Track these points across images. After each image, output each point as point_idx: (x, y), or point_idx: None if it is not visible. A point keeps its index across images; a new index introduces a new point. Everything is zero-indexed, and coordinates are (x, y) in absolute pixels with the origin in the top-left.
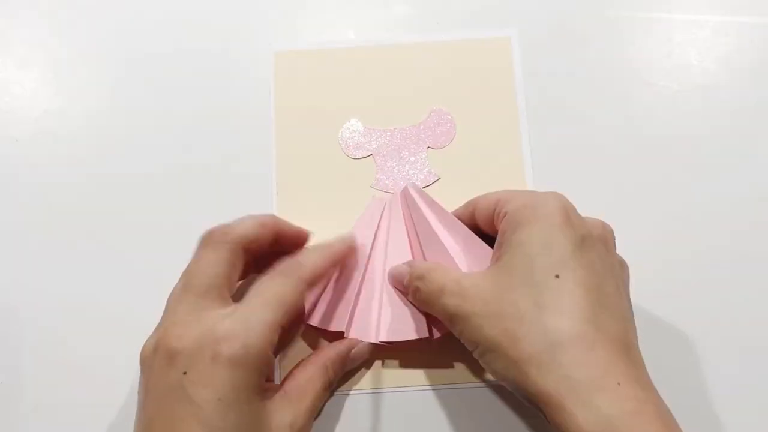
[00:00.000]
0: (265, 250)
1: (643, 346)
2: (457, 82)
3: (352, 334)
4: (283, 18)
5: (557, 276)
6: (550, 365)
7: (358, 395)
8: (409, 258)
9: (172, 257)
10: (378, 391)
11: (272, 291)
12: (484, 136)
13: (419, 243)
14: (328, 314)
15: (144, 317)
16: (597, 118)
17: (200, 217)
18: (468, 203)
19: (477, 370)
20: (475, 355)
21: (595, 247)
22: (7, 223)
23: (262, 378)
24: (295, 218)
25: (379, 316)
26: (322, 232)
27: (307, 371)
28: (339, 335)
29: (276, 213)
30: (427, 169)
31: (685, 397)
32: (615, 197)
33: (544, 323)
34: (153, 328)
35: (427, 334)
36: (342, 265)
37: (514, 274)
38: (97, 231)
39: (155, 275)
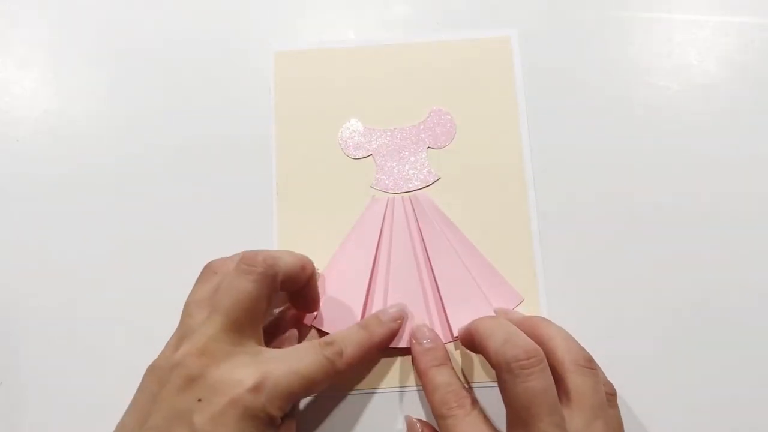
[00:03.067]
0: (287, 288)
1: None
2: (457, 82)
3: None
4: (283, 18)
5: None
6: None
7: (358, 395)
8: (413, 266)
9: (173, 257)
10: (378, 391)
11: (307, 367)
12: (484, 136)
13: (427, 255)
14: (336, 319)
15: (144, 317)
16: (597, 118)
17: (200, 217)
18: (467, 328)
19: (477, 371)
20: None
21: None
22: (7, 222)
23: (284, 409)
24: (295, 218)
25: None
26: (322, 232)
27: None
28: None
29: (276, 213)
30: (427, 169)
31: None
32: (615, 197)
33: None
34: (153, 327)
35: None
36: (347, 266)
37: None
38: (98, 231)
39: (155, 275)
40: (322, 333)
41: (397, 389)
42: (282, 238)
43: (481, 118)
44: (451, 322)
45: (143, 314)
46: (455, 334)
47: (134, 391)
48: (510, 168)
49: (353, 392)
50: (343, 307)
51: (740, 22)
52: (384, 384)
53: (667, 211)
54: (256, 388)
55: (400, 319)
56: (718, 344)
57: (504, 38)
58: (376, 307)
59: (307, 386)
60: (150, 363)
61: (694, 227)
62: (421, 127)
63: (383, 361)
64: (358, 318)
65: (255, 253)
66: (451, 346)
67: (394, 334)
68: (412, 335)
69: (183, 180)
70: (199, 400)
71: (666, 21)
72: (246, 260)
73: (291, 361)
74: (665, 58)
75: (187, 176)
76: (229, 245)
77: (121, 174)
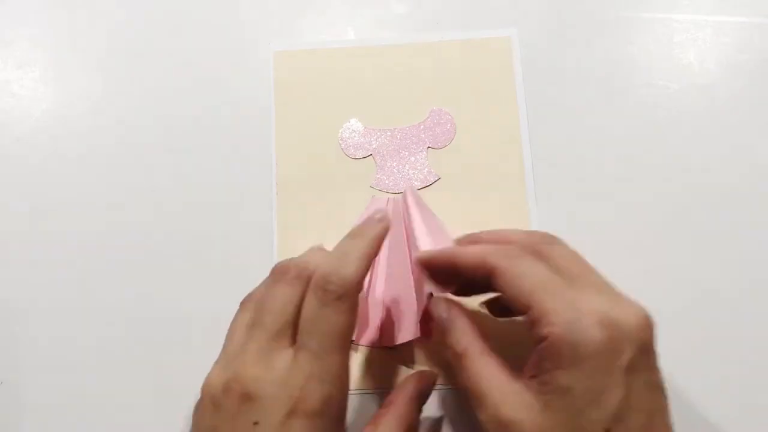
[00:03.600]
0: None
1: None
2: (457, 82)
3: (363, 341)
4: (282, 18)
5: (608, 430)
6: None
7: (358, 395)
8: (407, 264)
9: (173, 257)
10: (378, 391)
11: (335, 327)
12: (484, 136)
13: (409, 249)
14: None
15: (144, 316)
16: (597, 118)
17: (200, 217)
18: (483, 263)
19: None
20: None
21: (640, 369)
22: (7, 222)
23: (341, 427)
24: (295, 218)
25: (384, 319)
26: (322, 232)
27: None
28: None
29: (276, 213)
30: (427, 169)
31: None
32: (615, 197)
33: None
34: (153, 326)
35: (431, 334)
36: None
37: (560, 426)
38: (98, 230)
39: (155, 274)
40: None
41: None
42: (282, 238)
43: (481, 118)
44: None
45: (143, 313)
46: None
47: (133, 390)
48: (510, 168)
49: (353, 392)
50: None
51: (740, 22)
52: (384, 384)
53: (667, 210)
54: (307, 390)
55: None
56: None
57: (504, 38)
58: (374, 305)
59: (343, 338)
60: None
61: (694, 227)
62: (421, 127)
63: (383, 361)
64: (359, 316)
65: (287, 263)
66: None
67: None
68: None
69: (183, 179)
70: (256, 423)
71: (666, 21)
72: (278, 269)
73: (317, 332)
74: (665, 58)
75: (187, 176)
76: (229, 245)
77: (120, 173)
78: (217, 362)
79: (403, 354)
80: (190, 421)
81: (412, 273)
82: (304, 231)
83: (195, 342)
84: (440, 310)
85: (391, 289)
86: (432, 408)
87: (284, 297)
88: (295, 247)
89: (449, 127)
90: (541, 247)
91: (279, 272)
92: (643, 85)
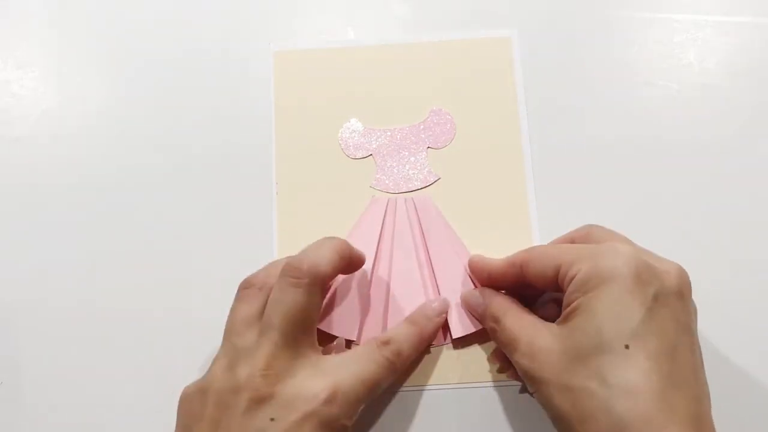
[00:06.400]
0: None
1: None
2: (457, 82)
3: (363, 342)
4: (282, 17)
5: (627, 347)
6: None
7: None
8: (415, 268)
9: (173, 257)
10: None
11: (371, 371)
12: (484, 136)
13: (429, 257)
14: (336, 319)
15: (144, 316)
16: (597, 118)
17: (200, 217)
18: (512, 264)
19: (477, 371)
20: (548, 416)
21: (669, 304)
22: (7, 222)
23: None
24: (295, 218)
25: (385, 321)
26: (322, 232)
27: None
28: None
29: (276, 213)
30: (427, 169)
31: None
32: (615, 197)
33: (612, 404)
34: (153, 327)
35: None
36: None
37: (584, 342)
38: (98, 231)
39: (155, 274)
40: (324, 334)
41: (398, 389)
42: (282, 238)
43: (481, 118)
44: (451, 324)
45: (143, 314)
46: (454, 336)
47: (133, 390)
48: (510, 168)
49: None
50: (344, 307)
51: (740, 22)
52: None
53: (667, 210)
54: (329, 400)
55: (445, 312)
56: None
57: (504, 39)
58: (376, 307)
59: (374, 390)
60: (185, 387)
61: (694, 227)
62: (421, 127)
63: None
64: (358, 318)
65: (299, 261)
66: (447, 347)
67: (438, 329)
68: (464, 304)
69: (182, 180)
70: (272, 419)
71: (666, 21)
72: (291, 272)
73: (355, 368)
74: (665, 58)
75: (186, 176)
76: (229, 245)
77: (121, 173)
78: (221, 357)
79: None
80: None
81: (428, 276)
82: (304, 231)
83: (196, 342)
84: (475, 298)
85: (399, 292)
86: (432, 408)
87: (297, 301)
88: (295, 247)
89: (449, 127)
90: (574, 234)
91: (288, 273)
92: (643, 85)
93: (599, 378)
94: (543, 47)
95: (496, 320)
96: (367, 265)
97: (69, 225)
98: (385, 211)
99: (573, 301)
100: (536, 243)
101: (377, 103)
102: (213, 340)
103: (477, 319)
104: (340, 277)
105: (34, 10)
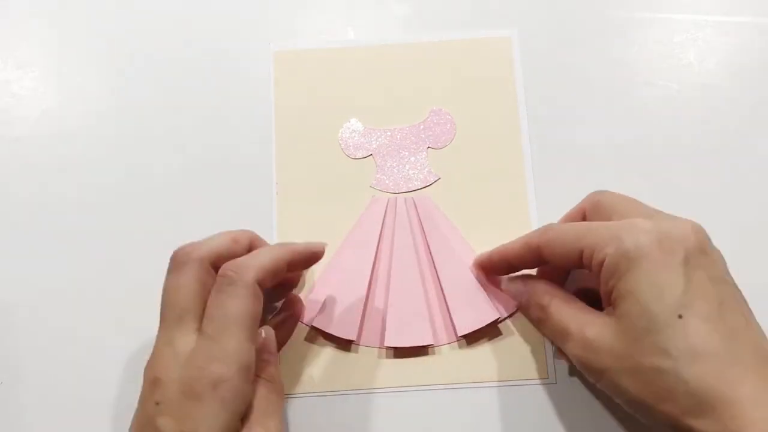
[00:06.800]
0: (278, 278)
1: None
2: (457, 82)
3: (363, 341)
4: (282, 17)
5: (680, 316)
6: (708, 414)
7: (359, 395)
8: (415, 268)
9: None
10: (379, 391)
11: (228, 310)
12: (484, 136)
13: (430, 256)
14: (336, 318)
15: (144, 316)
16: (597, 118)
17: (200, 217)
18: (527, 244)
19: (478, 371)
20: (620, 403)
21: (699, 264)
22: (7, 222)
23: (235, 413)
24: (295, 218)
25: (385, 319)
26: (322, 232)
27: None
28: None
29: (276, 213)
30: (427, 169)
31: None
32: None
33: (684, 374)
34: (153, 328)
35: (432, 341)
36: (347, 265)
37: (637, 325)
38: (98, 231)
39: (155, 275)
40: (324, 333)
41: (399, 389)
42: (282, 238)
43: (481, 118)
44: (455, 323)
45: (143, 314)
46: (459, 333)
47: (133, 391)
48: (510, 168)
49: (354, 392)
50: (344, 306)
51: (740, 22)
52: (385, 384)
53: (667, 210)
54: (200, 369)
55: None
56: None
57: (504, 39)
58: (377, 305)
59: (242, 329)
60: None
61: None
62: (421, 127)
63: (384, 361)
64: (359, 317)
65: (179, 248)
66: (450, 346)
67: (317, 256)
68: (507, 291)
69: (182, 180)
70: (157, 403)
71: (666, 21)
72: (171, 257)
73: (215, 321)
74: (665, 58)
75: (186, 176)
76: None
77: (120, 173)
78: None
79: (403, 353)
80: None
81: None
82: (303, 231)
83: None
84: (516, 286)
85: (399, 290)
86: (432, 408)
87: (176, 283)
88: None
89: (449, 127)
90: (584, 205)
91: (171, 259)
92: (643, 85)
93: (664, 353)
94: (543, 47)
95: (543, 309)
96: (367, 265)
97: (69, 225)
98: (385, 211)
99: (611, 289)
100: None
101: (377, 103)
102: None
103: (520, 308)
104: (340, 277)
105: (34, 10)
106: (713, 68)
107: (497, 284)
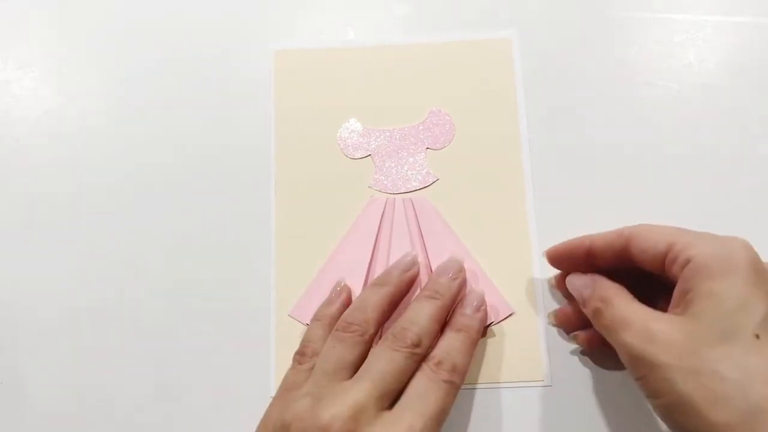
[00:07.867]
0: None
1: None
2: (456, 83)
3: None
4: (282, 17)
5: (757, 336)
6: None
7: None
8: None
9: (172, 257)
10: None
11: (437, 404)
12: (484, 136)
13: (427, 257)
14: None
15: (144, 316)
16: (597, 118)
17: (200, 217)
18: (620, 234)
19: (473, 373)
20: (656, 404)
21: None
22: (6, 222)
23: None
24: (294, 218)
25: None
26: (321, 232)
27: None
28: None
29: (274, 213)
30: (426, 170)
31: None
32: (615, 198)
33: (748, 389)
34: (154, 327)
35: None
36: (345, 265)
37: (710, 328)
38: (98, 231)
39: (155, 275)
40: None
41: None
42: (281, 238)
43: (480, 118)
44: None
45: (143, 313)
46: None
47: (133, 391)
48: (510, 168)
49: None
50: None
51: (740, 22)
52: None
53: (667, 210)
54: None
55: (484, 304)
56: None
57: (504, 40)
58: None
59: (443, 418)
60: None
61: (694, 227)
62: (420, 127)
63: None
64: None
65: (404, 330)
66: None
67: (484, 325)
68: (571, 287)
69: (182, 179)
70: None
71: (666, 21)
72: (398, 342)
73: (421, 407)
74: (665, 58)
75: (186, 175)
76: (228, 245)
77: (120, 173)
78: (275, 399)
79: None
80: (191, 420)
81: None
82: (302, 231)
83: (195, 342)
84: (583, 280)
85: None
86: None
87: (353, 357)
88: (293, 247)
89: (448, 127)
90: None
91: (341, 329)
92: (643, 85)
93: (732, 363)
94: (543, 48)
95: (605, 300)
96: (364, 266)
97: (69, 225)
98: (383, 212)
99: (691, 288)
100: (534, 245)
101: (376, 104)
102: (213, 340)
103: (579, 303)
104: (336, 277)
105: (34, 10)
106: (713, 68)
107: (563, 280)
